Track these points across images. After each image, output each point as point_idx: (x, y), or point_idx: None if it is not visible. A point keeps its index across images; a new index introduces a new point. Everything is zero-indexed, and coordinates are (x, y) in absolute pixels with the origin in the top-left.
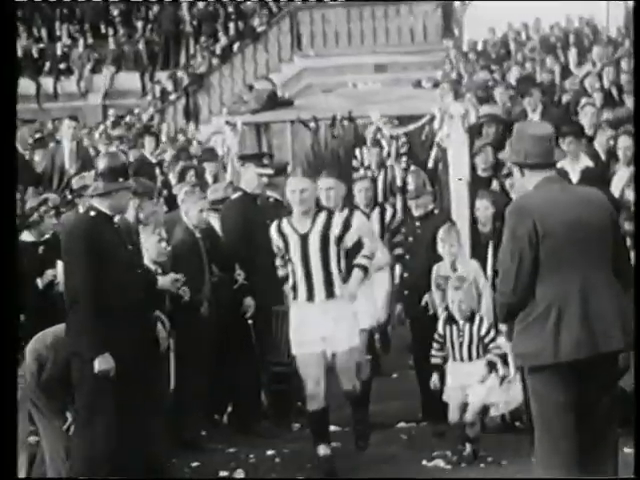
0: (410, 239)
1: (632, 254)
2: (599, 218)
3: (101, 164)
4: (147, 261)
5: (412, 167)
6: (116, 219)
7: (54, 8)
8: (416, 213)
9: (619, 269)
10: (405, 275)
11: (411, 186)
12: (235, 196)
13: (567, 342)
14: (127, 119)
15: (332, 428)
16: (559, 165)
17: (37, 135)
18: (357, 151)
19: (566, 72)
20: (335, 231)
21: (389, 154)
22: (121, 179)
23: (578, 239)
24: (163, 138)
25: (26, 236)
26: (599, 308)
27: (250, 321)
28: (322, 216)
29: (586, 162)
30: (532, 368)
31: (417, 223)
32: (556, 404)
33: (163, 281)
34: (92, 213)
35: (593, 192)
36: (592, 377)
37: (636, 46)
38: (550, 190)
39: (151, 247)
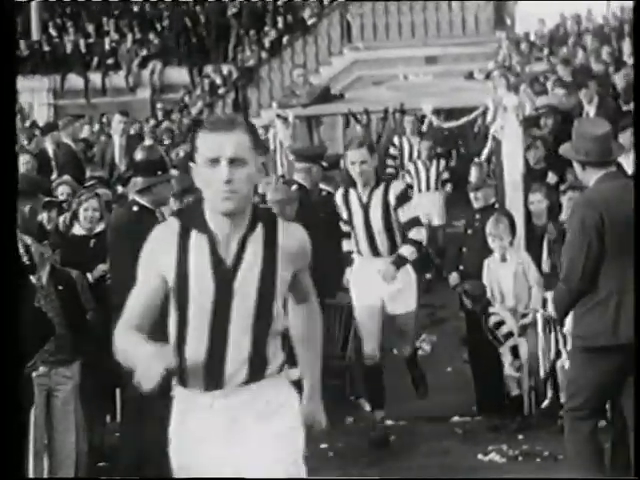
0: (469, 231)
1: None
2: None
3: (138, 158)
4: None
5: (475, 159)
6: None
7: (102, 3)
8: (476, 205)
9: None
10: (462, 268)
11: (472, 178)
12: (292, 189)
13: (626, 325)
14: (175, 114)
15: (388, 422)
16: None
17: (86, 130)
18: (396, 139)
19: (619, 63)
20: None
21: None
22: (160, 172)
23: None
24: None
25: (77, 230)
26: None
27: None
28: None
29: None
30: (587, 349)
31: (477, 215)
32: (599, 386)
33: None
34: (135, 208)
35: None
36: None
37: (636, 46)
38: (612, 185)
39: None
